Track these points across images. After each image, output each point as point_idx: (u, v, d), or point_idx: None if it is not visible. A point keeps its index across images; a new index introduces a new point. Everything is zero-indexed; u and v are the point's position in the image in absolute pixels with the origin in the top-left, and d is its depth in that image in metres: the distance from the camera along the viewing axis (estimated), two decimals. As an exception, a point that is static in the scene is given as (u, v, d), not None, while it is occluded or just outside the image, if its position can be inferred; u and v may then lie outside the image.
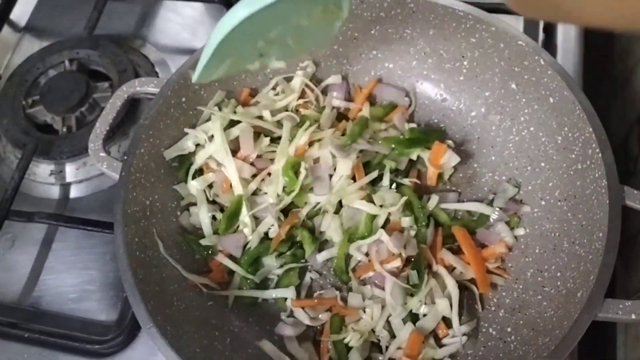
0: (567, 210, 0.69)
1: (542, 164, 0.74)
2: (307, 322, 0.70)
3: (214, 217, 0.76)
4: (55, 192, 0.88)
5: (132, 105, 0.89)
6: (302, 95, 0.83)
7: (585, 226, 0.66)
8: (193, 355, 0.62)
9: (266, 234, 0.75)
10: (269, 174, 0.76)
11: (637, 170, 0.82)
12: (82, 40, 0.97)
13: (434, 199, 0.76)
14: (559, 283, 0.66)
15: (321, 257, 0.75)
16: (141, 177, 0.70)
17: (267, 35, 0.56)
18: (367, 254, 0.73)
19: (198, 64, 0.56)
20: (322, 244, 0.76)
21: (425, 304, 0.69)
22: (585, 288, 0.60)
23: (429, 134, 0.79)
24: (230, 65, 0.58)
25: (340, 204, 0.75)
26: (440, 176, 0.79)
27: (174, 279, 0.70)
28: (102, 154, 0.72)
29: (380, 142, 0.79)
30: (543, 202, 0.73)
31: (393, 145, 0.77)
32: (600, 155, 0.65)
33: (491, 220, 0.75)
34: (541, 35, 0.91)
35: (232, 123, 0.77)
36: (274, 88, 0.83)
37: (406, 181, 0.77)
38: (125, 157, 0.70)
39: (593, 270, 0.61)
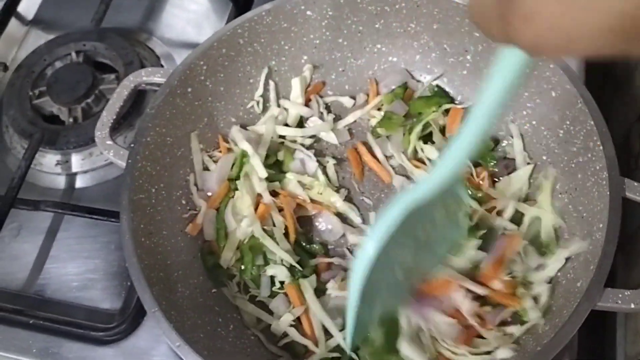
0: (568, 203, 0.70)
1: (544, 157, 0.75)
2: None
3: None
4: (61, 182, 0.89)
5: (138, 97, 0.90)
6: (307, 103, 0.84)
7: (585, 218, 0.67)
8: (197, 340, 0.62)
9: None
10: None
11: (638, 167, 0.82)
12: (89, 33, 0.98)
13: None
14: (559, 274, 0.67)
15: None
16: (147, 165, 0.71)
17: (402, 256, 0.51)
18: None
19: (347, 330, 0.53)
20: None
21: None
22: (585, 277, 0.61)
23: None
24: (380, 307, 0.55)
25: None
26: None
27: (179, 266, 0.70)
28: (109, 142, 0.73)
29: None
30: (544, 195, 0.74)
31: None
32: (601, 147, 0.66)
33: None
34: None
35: None
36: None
37: None
38: (132, 145, 0.71)
39: (593, 260, 0.61)
